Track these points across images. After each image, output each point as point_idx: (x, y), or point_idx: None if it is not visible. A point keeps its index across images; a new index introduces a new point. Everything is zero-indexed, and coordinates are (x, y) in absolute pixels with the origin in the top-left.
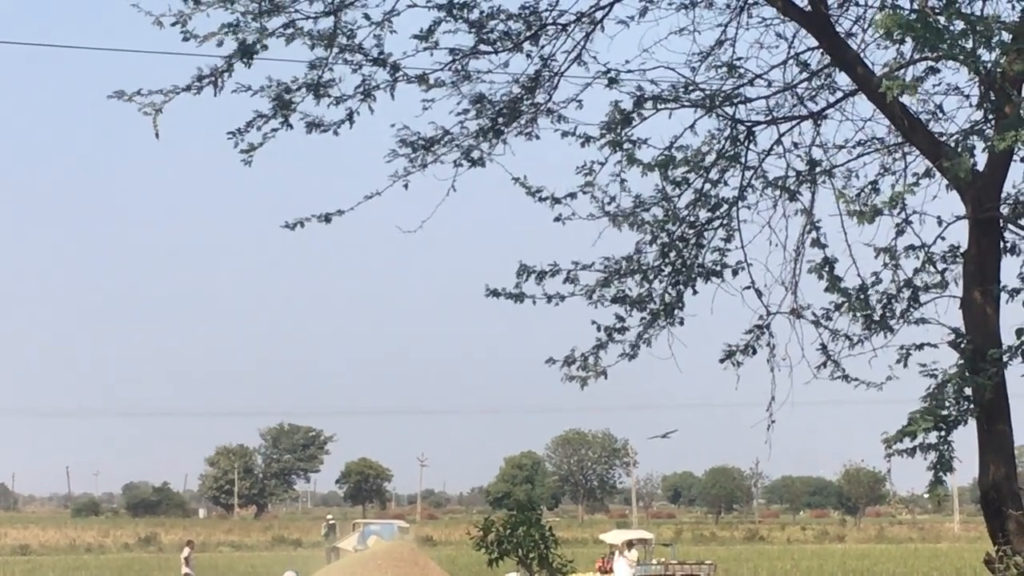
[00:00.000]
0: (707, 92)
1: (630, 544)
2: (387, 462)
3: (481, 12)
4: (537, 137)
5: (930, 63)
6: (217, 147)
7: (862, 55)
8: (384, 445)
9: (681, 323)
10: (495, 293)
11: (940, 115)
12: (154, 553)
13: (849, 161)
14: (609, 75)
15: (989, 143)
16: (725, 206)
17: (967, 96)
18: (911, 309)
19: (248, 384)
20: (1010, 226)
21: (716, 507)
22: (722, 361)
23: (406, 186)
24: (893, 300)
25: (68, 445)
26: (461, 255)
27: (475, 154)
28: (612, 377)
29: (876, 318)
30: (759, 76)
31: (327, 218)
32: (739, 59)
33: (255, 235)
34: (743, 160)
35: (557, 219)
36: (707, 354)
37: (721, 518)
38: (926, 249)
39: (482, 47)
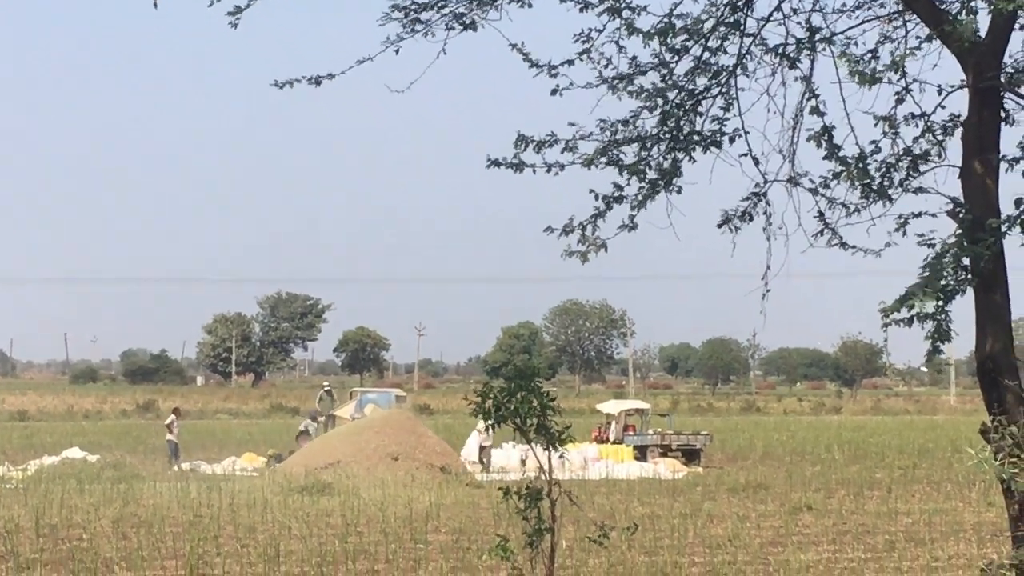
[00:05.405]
0: None
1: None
2: (385, 331)
3: None
4: (530, 5)
5: None
6: (212, 15)
7: None
8: (382, 314)
9: (679, 191)
10: (495, 163)
11: None
12: (152, 420)
13: (849, 28)
14: None
15: (994, 5)
16: (724, 74)
17: None
18: (910, 178)
19: (246, 252)
20: (1009, 94)
21: (713, 378)
22: (720, 227)
23: (397, 51)
24: (892, 169)
25: (66, 312)
26: (461, 124)
27: (467, 19)
28: (611, 248)
29: (875, 187)
30: None
31: (317, 81)
32: None
33: (252, 101)
34: (742, 27)
35: (555, 91)
36: (705, 224)
37: (718, 389)
38: (926, 118)
39: None
